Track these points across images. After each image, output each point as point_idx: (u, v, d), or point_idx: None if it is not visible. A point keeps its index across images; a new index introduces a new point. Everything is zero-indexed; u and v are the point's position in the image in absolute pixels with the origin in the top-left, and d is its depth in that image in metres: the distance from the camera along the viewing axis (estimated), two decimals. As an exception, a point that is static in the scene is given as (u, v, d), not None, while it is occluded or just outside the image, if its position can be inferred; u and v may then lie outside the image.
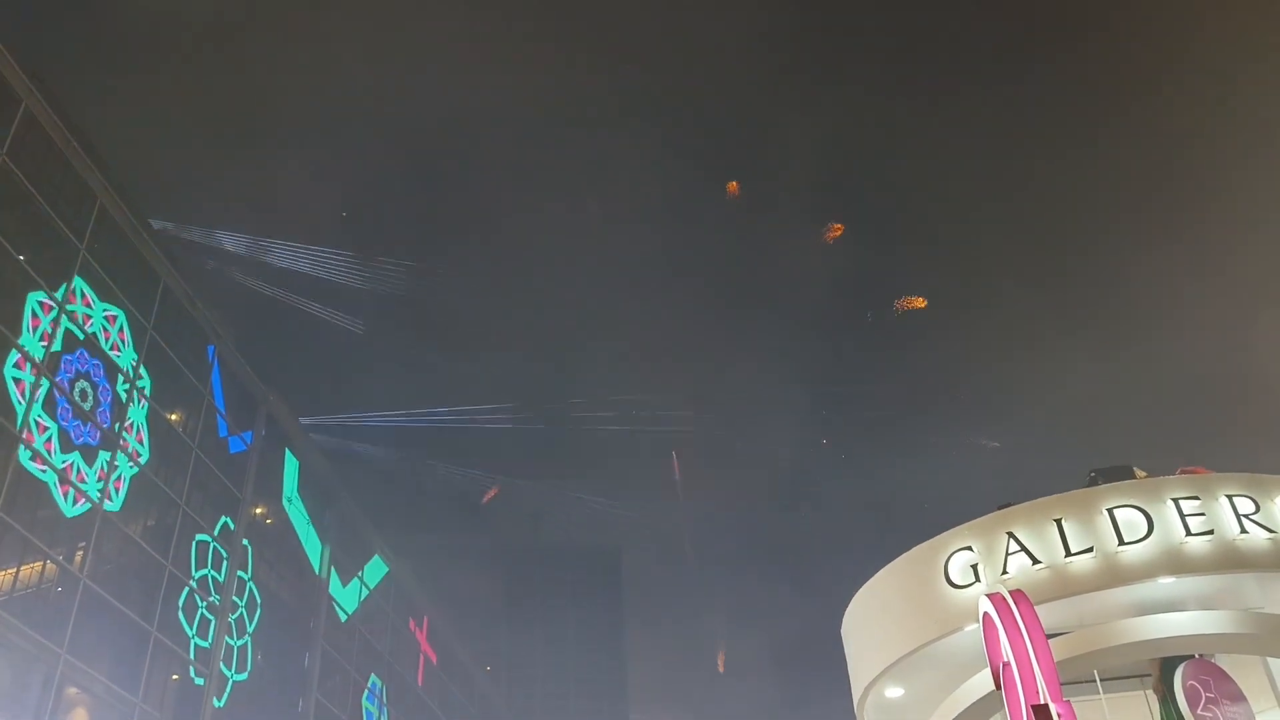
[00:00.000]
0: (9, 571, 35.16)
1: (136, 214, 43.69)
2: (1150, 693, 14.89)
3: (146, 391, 42.69)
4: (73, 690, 37.45)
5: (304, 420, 62.34)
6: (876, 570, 16.25)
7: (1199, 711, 13.46)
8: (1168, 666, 14.19)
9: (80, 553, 38.27)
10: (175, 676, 42.94)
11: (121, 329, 42.16)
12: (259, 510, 52.67)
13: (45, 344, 37.05)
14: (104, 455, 39.53)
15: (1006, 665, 12.26)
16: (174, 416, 45.40)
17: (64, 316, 38.22)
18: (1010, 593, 12.73)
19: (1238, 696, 13.84)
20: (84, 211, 40.62)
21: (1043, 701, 11.35)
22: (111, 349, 41.06)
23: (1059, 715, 11.11)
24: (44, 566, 36.54)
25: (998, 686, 12.67)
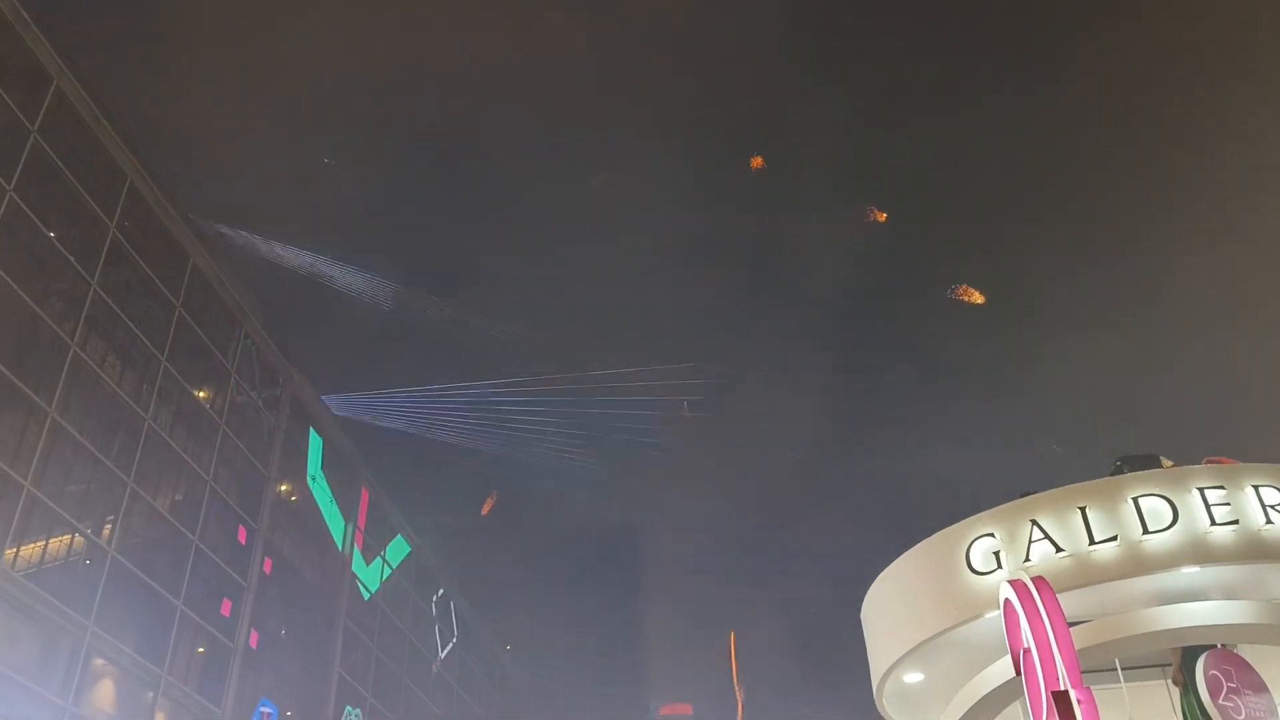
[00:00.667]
0: (38, 544, 35.71)
1: (166, 193, 44.08)
2: (1171, 682, 14.85)
3: (174, 368, 43.12)
4: (100, 662, 38.06)
5: (328, 399, 62.81)
6: (898, 555, 16.26)
7: (1220, 701, 13.40)
8: (1189, 656, 14.13)
9: (108, 527, 38.83)
10: (201, 649, 43.56)
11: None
12: (284, 487, 53.20)
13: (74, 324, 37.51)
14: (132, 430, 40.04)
15: (1027, 651, 12.25)
16: (201, 394, 45.89)
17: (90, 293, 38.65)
18: (1032, 579, 12.71)
19: (1260, 687, 13.78)
20: (114, 190, 41.02)
21: (1063, 688, 11.33)
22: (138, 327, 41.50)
23: (1079, 702, 11.08)
24: (72, 539, 37.11)
25: (1018, 673, 12.67)
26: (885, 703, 16.96)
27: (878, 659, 16.42)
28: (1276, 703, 13.94)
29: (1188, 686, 14.09)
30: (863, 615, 17.24)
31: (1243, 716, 13.28)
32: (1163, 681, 15.11)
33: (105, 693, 38.75)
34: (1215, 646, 14.02)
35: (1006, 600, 12.96)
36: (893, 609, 16.21)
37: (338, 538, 57.97)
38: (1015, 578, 13.13)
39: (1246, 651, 14.36)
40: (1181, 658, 14.33)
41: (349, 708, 56.77)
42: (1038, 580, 12.68)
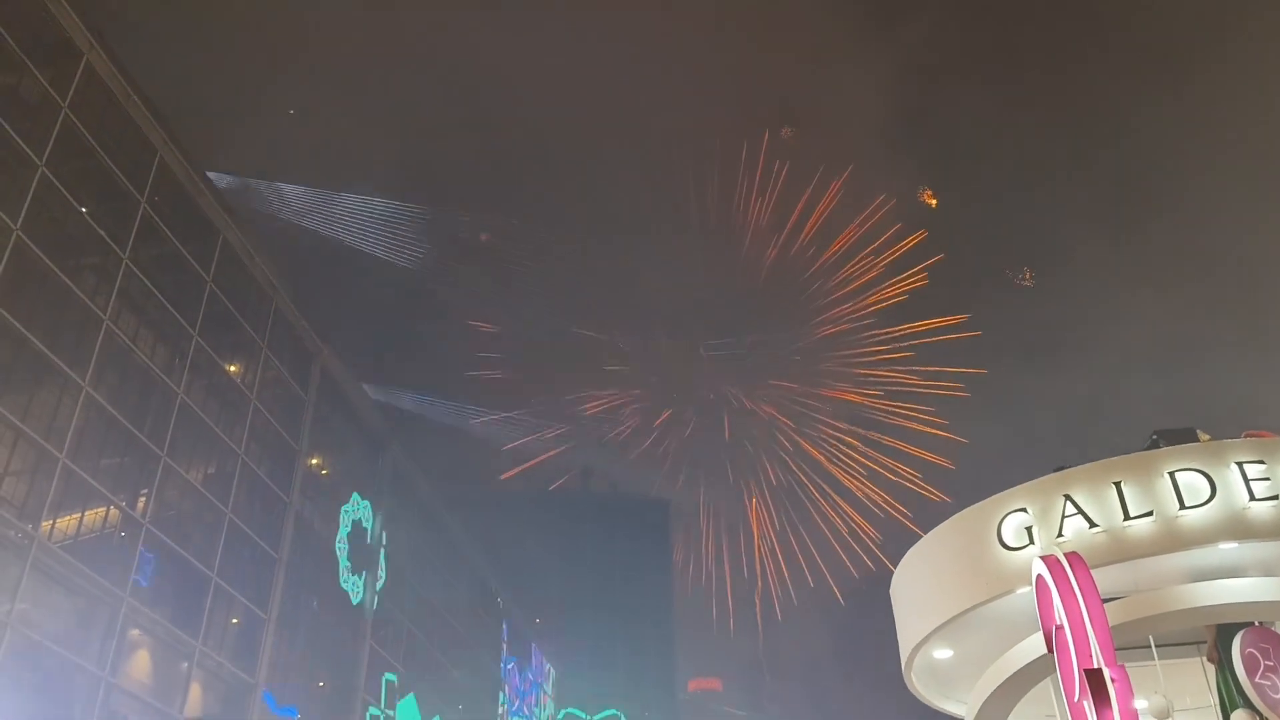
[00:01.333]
0: (74, 517, 36.16)
1: (196, 168, 44.22)
2: (1206, 659, 14.62)
3: (205, 343, 43.41)
4: (135, 632, 38.55)
5: (359, 375, 63.09)
6: (928, 529, 16.10)
7: (1257, 679, 13.17)
8: (1225, 634, 13.90)
9: (142, 499, 39.24)
10: (235, 620, 44.05)
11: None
12: (314, 461, 53.56)
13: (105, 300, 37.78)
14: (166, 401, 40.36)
15: (1059, 628, 12.08)
16: (233, 368, 46.19)
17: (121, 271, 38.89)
18: (1065, 554, 12.50)
19: (1298, 665, 13.53)
20: (144, 165, 41.19)
21: (1096, 666, 11.15)
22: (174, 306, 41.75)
23: (1113, 680, 10.89)
24: (107, 512, 37.54)
25: (1050, 650, 12.50)
26: (914, 678, 16.84)
27: (907, 635, 16.29)
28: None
29: (1223, 664, 13.87)
30: (892, 591, 17.10)
31: (1280, 695, 13.07)
32: (1197, 659, 14.89)
33: (141, 663, 39.29)
34: (1252, 624, 13.78)
35: (1039, 576, 12.77)
36: (923, 584, 16.05)
37: (367, 520, 58.37)
38: (1048, 553, 12.92)
39: (1285, 630, 14.12)
40: (1216, 635, 14.10)
41: (387, 674, 57.39)
42: (1071, 556, 12.47)
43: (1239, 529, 13.14)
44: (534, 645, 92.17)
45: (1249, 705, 13.04)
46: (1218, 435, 14.78)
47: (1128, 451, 14.77)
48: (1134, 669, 12.65)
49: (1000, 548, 14.33)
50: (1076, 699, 11.54)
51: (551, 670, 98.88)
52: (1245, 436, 14.35)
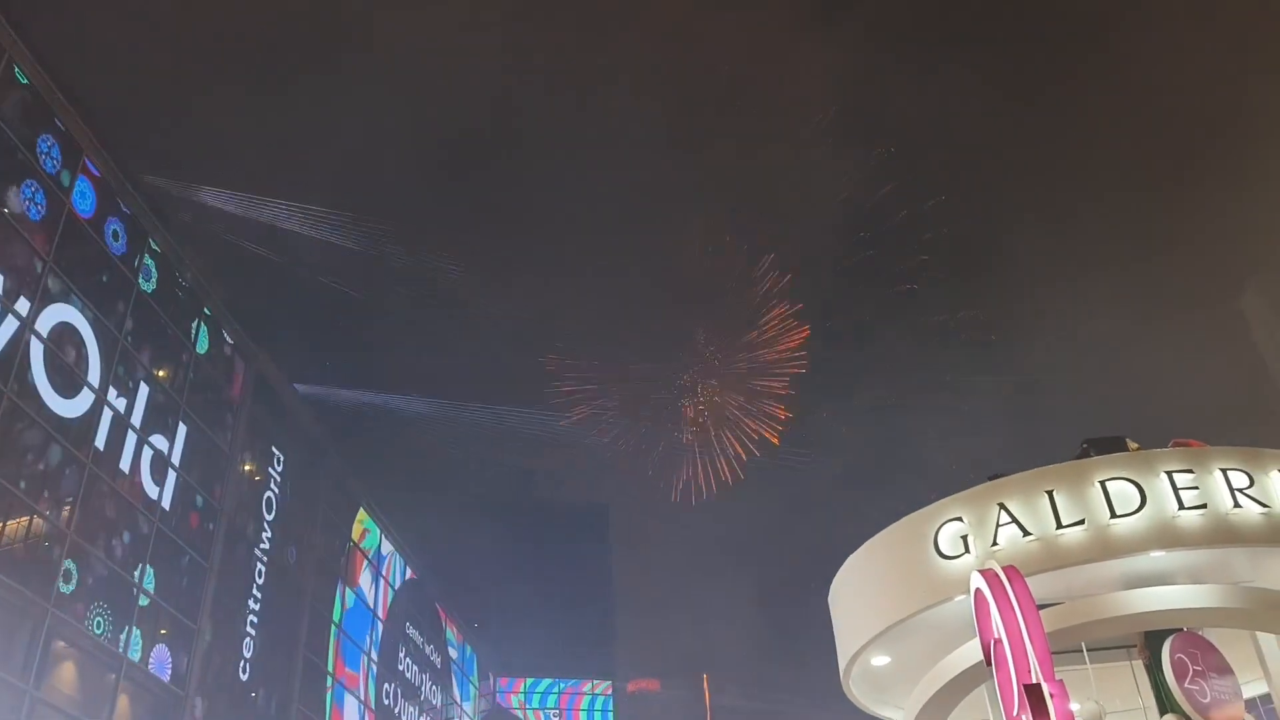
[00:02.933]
0: (-5, 526, 35.08)
1: (123, 167, 43.14)
2: (1135, 663, 14.90)
3: (132, 349, 42.36)
4: (61, 644, 37.50)
5: (297, 384, 62.10)
6: (865, 537, 16.21)
7: (1186, 684, 13.45)
8: (1154, 639, 14.17)
9: (67, 509, 38.18)
10: (164, 631, 43.05)
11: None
12: (247, 467, 52.60)
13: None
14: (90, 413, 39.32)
15: (998, 642, 12.20)
16: (162, 373, 45.16)
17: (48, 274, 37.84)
18: (1004, 568, 12.64)
19: (1225, 669, 13.85)
20: (70, 164, 40.10)
21: (1035, 680, 11.28)
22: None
23: (1052, 695, 11.04)
24: (30, 521, 36.45)
25: (988, 663, 12.63)
26: (852, 685, 16.97)
27: (845, 642, 16.40)
28: (1240, 685, 14.04)
29: (1153, 666, 14.14)
30: (830, 599, 17.20)
31: (1208, 699, 13.34)
32: (1128, 663, 15.17)
33: (67, 675, 38.24)
34: (1181, 630, 14.07)
35: (978, 590, 12.90)
36: (861, 593, 16.18)
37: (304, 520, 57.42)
38: (986, 567, 13.06)
39: (1211, 634, 14.43)
40: (1145, 640, 14.37)
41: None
42: (1009, 570, 12.62)
43: (1168, 537, 13.41)
44: (471, 648, 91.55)
45: (1178, 710, 13.30)
46: (1144, 444, 15.08)
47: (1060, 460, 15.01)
48: (1066, 673, 12.85)
49: (937, 556, 14.49)
50: (1015, 713, 11.68)
51: (491, 673, 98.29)
52: (1173, 445, 14.64)
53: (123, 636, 39.92)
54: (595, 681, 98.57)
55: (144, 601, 41.03)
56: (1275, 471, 13.85)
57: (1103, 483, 13.86)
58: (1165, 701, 13.77)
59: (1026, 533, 13.88)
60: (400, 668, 69.82)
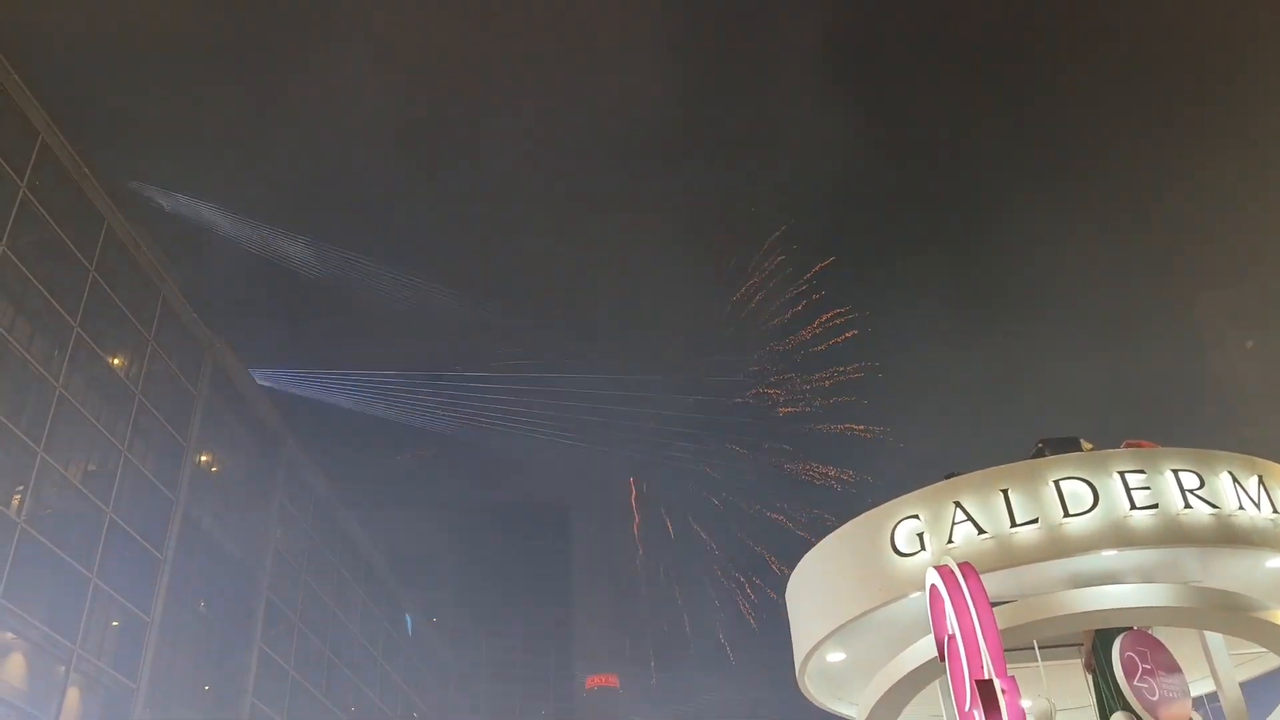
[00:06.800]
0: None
1: (81, 152, 42.44)
2: (1084, 667, 15.01)
3: (87, 334, 41.69)
4: (9, 635, 36.86)
5: (254, 371, 61.42)
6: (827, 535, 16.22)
7: (1135, 682, 13.56)
8: (1105, 638, 14.29)
9: (17, 497, 37.53)
10: (115, 623, 42.44)
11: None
12: (204, 458, 51.96)
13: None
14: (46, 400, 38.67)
15: (951, 638, 12.24)
16: (117, 361, 44.49)
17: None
18: (959, 565, 12.68)
19: (1173, 667, 13.99)
20: (25, 148, 39.37)
21: (987, 676, 11.34)
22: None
23: (1003, 690, 11.10)
24: (-21, 511, 35.80)
25: (942, 659, 12.68)
26: (807, 681, 16.98)
27: (801, 639, 16.40)
28: (1188, 683, 14.19)
29: (1099, 671, 14.26)
30: (787, 595, 17.20)
31: (1156, 697, 13.47)
32: (1078, 661, 15.30)
33: (16, 667, 37.60)
34: (1131, 628, 14.20)
35: (933, 586, 12.93)
36: (818, 590, 16.18)
37: (261, 510, 56.79)
38: (942, 564, 13.10)
39: (1160, 633, 14.58)
40: (1095, 640, 14.48)
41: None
42: (964, 567, 12.66)
43: (1120, 536, 13.51)
44: (431, 642, 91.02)
45: (1127, 708, 13.42)
46: (1099, 445, 15.19)
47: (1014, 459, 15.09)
48: (1018, 670, 12.92)
49: (893, 553, 14.51)
50: (968, 708, 11.73)
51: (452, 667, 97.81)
52: (1125, 446, 14.77)
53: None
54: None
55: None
56: (1225, 473, 14.01)
57: (1056, 482, 13.94)
58: (1106, 705, 13.88)
59: (981, 531, 13.92)
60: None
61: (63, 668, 38.77)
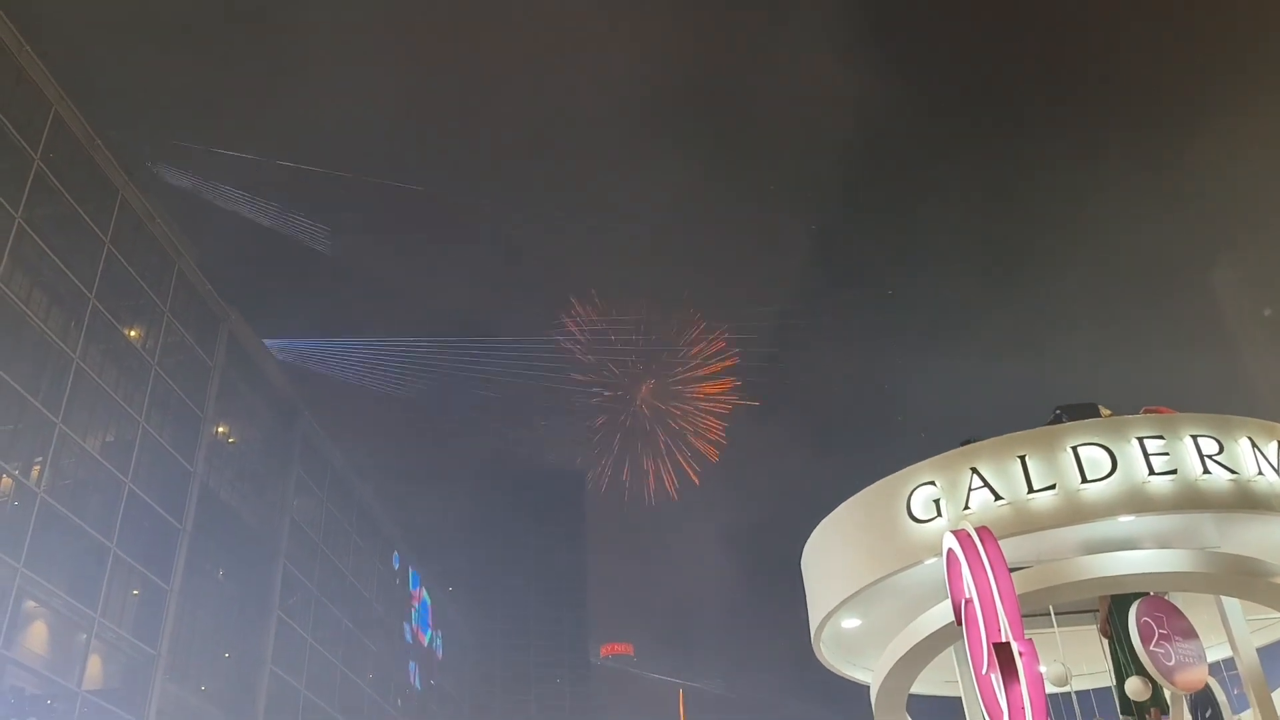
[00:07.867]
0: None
1: (94, 123, 42.45)
2: (1100, 633, 15.02)
3: (103, 306, 41.88)
4: (31, 604, 37.28)
5: (268, 341, 61.65)
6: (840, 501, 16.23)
7: (1151, 647, 13.57)
8: (1121, 604, 14.30)
9: (37, 468, 37.85)
10: (135, 592, 42.88)
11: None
12: (221, 429, 52.27)
13: (-2, 255, 36.17)
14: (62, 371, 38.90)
15: (968, 602, 12.25)
16: (133, 333, 44.70)
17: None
18: (977, 530, 12.68)
19: (1190, 633, 13.99)
20: (38, 121, 39.40)
21: (1004, 639, 11.35)
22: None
23: (1020, 654, 11.11)
24: (-1, 481, 36.14)
25: (959, 623, 12.70)
26: (823, 647, 17.04)
27: (817, 605, 16.44)
28: (1204, 648, 14.21)
29: (1115, 636, 14.28)
30: (803, 562, 17.25)
31: (1173, 662, 13.48)
32: (1094, 627, 15.32)
33: (38, 635, 38.07)
34: (1147, 594, 14.20)
35: (950, 550, 12.93)
36: (833, 556, 16.20)
37: (278, 479, 57.10)
38: (959, 527, 13.10)
39: (1177, 599, 14.58)
40: (1110, 606, 14.49)
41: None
42: (982, 531, 12.65)
43: (1138, 502, 13.47)
44: (445, 610, 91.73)
45: (1143, 673, 13.44)
46: (1118, 411, 15.13)
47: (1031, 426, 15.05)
48: (1034, 636, 12.94)
49: (909, 519, 14.51)
50: (985, 671, 11.75)
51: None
52: (1144, 412, 14.71)
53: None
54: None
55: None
56: (1244, 439, 13.95)
57: (1074, 448, 13.90)
58: (1122, 670, 13.90)
59: (998, 497, 13.90)
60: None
61: (84, 636, 39.25)
